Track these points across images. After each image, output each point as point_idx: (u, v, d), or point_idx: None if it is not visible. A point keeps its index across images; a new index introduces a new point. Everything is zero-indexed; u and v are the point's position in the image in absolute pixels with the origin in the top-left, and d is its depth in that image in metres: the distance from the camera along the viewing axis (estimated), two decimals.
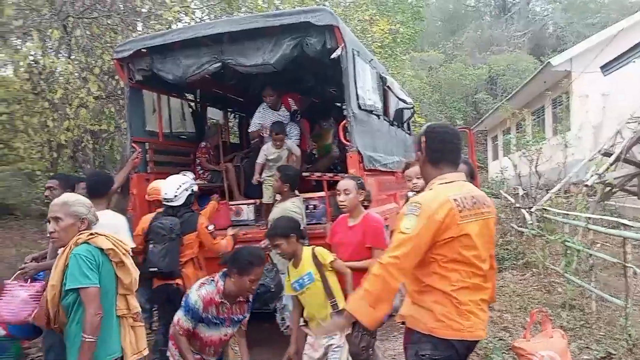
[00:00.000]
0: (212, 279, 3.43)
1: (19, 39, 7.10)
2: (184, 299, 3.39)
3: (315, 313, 3.68)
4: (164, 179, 4.99)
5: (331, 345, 3.59)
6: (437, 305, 2.35)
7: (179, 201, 4.61)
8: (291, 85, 6.65)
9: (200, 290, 3.34)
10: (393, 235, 2.40)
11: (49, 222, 2.72)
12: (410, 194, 3.66)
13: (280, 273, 4.28)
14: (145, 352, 2.96)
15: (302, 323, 3.80)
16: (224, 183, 5.99)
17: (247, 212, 5.61)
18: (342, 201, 3.74)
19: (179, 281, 4.49)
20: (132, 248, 3.11)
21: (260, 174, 5.63)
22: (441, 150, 2.48)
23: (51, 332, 3.04)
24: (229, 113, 8.68)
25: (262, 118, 6.14)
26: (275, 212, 4.47)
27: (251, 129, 6.26)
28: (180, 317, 3.34)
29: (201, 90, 7.21)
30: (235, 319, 3.47)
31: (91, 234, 2.72)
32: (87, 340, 2.56)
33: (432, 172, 2.49)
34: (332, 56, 4.66)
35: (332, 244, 3.94)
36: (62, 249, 2.73)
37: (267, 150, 5.63)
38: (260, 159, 5.66)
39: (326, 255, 3.67)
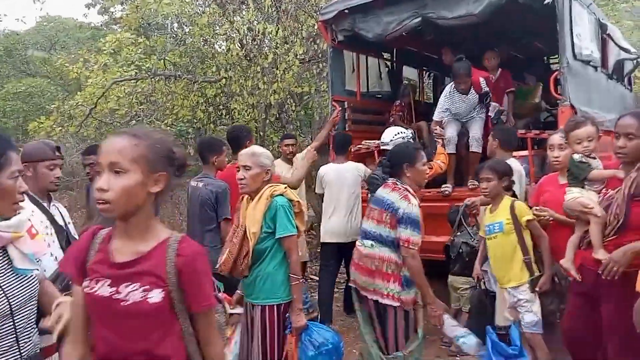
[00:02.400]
0: (393, 189, 3.23)
1: (235, 11, 7.79)
2: (403, 216, 3.08)
3: (495, 266, 3.58)
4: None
5: (520, 300, 3.42)
6: None
7: (392, 145, 4.71)
8: (493, 42, 6.26)
9: (410, 200, 3.12)
10: None
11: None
12: (577, 156, 3.08)
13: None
14: None
15: None
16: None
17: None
18: (557, 157, 3.33)
19: None
20: None
21: None
22: None
23: None
24: (424, 72, 8.58)
25: (449, 103, 5.23)
26: None
27: (435, 117, 5.40)
28: (410, 235, 3.06)
29: (397, 49, 7.22)
30: None
31: (285, 187, 3.02)
32: (298, 281, 2.91)
33: None
34: (546, 1, 4.28)
35: (540, 202, 3.53)
36: (252, 198, 2.97)
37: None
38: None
39: (524, 212, 3.44)
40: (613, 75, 5.97)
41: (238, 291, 3.15)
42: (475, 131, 5.07)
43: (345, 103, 6.04)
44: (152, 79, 8.55)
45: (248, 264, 2.87)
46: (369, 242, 3.21)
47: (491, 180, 3.51)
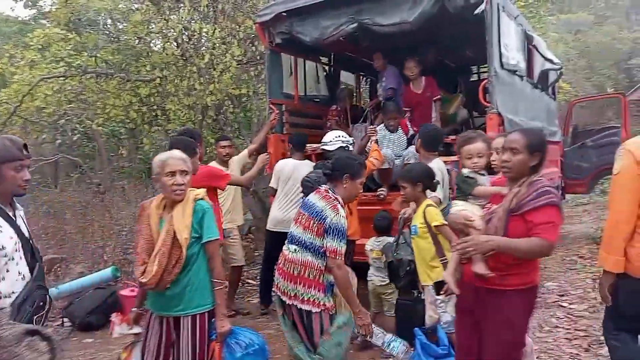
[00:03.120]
0: (323, 197, 3.20)
1: (170, 9, 7.60)
2: (331, 226, 3.04)
3: (417, 265, 3.75)
4: None
5: (437, 299, 3.56)
6: None
7: (332, 146, 4.88)
8: (426, 50, 6.42)
9: (339, 210, 3.09)
10: None
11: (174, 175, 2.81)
12: (465, 171, 3.12)
13: None
14: None
15: None
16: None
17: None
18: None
19: None
20: None
21: None
22: None
23: None
24: (361, 77, 8.69)
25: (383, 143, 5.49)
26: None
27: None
28: (336, 246, 3.03)
29: (335, 53, 7.28)
30: None
31: (204, 191, 3.00)
32: (222, 286, 2.89)
33: None
34: (476, 12, 4.43)
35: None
36: (171, 204, 2.85)
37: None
38: None
39: (433, 218, 3.54)
40: (538, 84, 6.27)
41: (134, 309, 3.05)
42: (409, 152, 5.21)
43: (283, 106, 6.05)
44: (83, 77, 8.21)
45: (177, 273, 2.74)
46: (293, 247, 3.18)
47: (406, 188, 3.64)
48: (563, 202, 8.76)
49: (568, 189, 8.55)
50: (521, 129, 2.90)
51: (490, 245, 2.44)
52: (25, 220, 2.47)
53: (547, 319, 4.78)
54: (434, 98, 5.84)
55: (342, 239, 3.04)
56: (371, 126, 5.48)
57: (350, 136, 5.57)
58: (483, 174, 3.13)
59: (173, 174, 2.79)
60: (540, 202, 2.44)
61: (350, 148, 5.04)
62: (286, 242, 3.33)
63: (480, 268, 2.54)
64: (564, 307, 5.09)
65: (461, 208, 2.86)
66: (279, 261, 3.32)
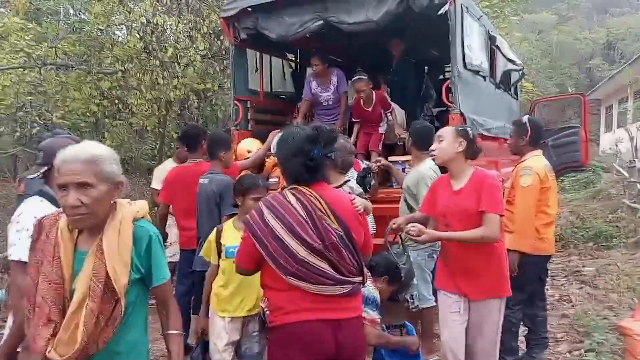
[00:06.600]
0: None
1: (132, 1, 7.44)
2: None
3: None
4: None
5: None
6: None
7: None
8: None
9: None
10: None
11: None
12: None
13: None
14: None
15: None
16: None
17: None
18: (433, 150, 3.15)
19: None
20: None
21: None
22: None
23: None
24: None
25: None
26: (412, 178, 4.09)
27: None
28: None
29: (302, 50, 7.24)
30: None
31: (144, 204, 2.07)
32: (181, 336, 2.04)
33: None
34: (440, 12, 4.48)
35: (436, 213, 3.18)
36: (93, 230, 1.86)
37: None
38: None
39: None
40: (500, 84, 6.38)
41: None
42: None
43: (248, 102, 5.98)
44: (42, 68, 7.96)
45: (107, 339, 1.79)
46: None
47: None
48: None
49: None
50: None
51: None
52: None
53: None
54: (386, 112, 5.65)
55: None
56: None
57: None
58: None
59: (64, 187, 1.74)
60: None
61: None
62: None
63: None
64: None
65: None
66: None
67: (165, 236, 4.83)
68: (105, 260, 1.77)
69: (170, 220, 5.46)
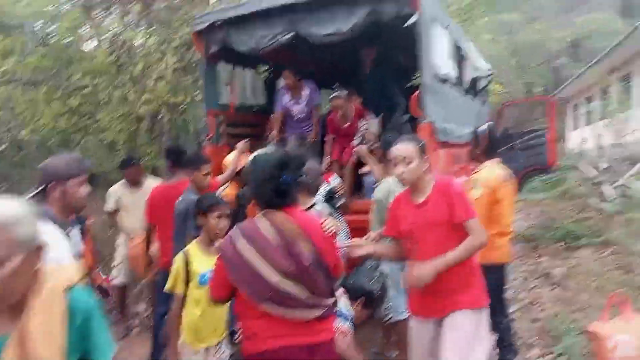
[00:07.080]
0: None
1: (103, 12, 7.36)
2: None
3: None
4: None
5: None
6: None
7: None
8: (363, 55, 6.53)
9: None
10: None
11: None
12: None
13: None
14: None
15: None
16: None
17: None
18: (401, 174, 2.88)
19: None
20: None
21: None
22: None
23: None
24: None
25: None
26: (383, 189, 4.03)
27: None
28: None
29: (274, 62, 7.25)
30: None
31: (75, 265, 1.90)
32: None
33: None
34: (407, 23, 4.53)
35: (401, 234, 3.07)
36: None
37: None
38: None
39: None
40: (469, 91, 6.49)
41: None
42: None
43: (221, 117, 5.97)
44: (8, 86, 7.80)
45: None
46: None
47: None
48: None
49: None
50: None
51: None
52: None
53: None
54: (361, 125, 5.71)
55: None
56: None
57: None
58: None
59: None
60: None
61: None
62: None
63: None
64: None
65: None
66: None
67: (149, 260, 4.74)
68: (32, 347, 1.38)
69: (120, 239, 5.47)
